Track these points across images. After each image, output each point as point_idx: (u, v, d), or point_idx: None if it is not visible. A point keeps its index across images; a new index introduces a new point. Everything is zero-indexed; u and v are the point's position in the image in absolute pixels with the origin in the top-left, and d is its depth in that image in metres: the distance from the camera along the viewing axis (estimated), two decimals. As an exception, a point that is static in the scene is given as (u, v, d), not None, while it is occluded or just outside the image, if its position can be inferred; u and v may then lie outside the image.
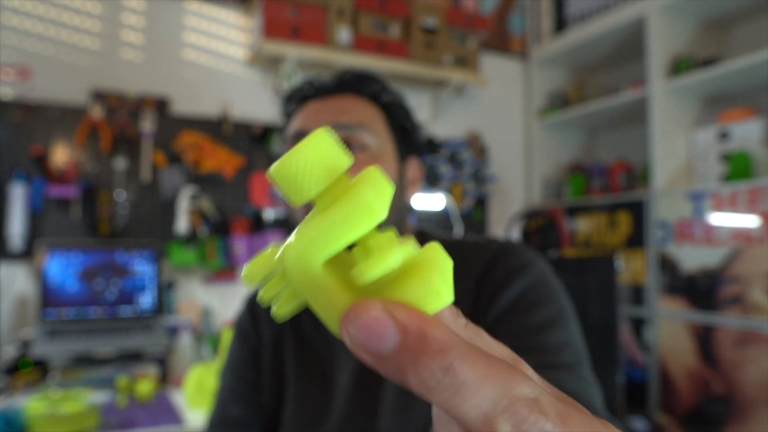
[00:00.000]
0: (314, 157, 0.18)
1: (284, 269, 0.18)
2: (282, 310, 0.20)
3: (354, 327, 0.16)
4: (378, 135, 0.71)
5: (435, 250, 0.18)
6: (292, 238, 0.18)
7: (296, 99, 0.75)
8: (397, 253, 0.17)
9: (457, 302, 0.69)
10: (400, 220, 0.74)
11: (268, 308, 0.81)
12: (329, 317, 0.18)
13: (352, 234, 0.17)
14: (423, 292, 0.17)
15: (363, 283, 0.17)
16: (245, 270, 0.21)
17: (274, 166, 0.19)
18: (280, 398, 0.76)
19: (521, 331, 0.61)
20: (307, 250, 0.17)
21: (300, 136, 0.70)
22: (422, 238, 0.77)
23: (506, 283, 0.65)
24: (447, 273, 0.17)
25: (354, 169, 0.70)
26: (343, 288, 0.18)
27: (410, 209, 0.77)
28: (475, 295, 0.67)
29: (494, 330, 0.62)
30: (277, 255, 0.20)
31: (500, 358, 0.17)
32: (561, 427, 0.16)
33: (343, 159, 0.18)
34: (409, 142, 0.76)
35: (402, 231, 0.73)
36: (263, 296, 0.21)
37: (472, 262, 0.70)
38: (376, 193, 0.17)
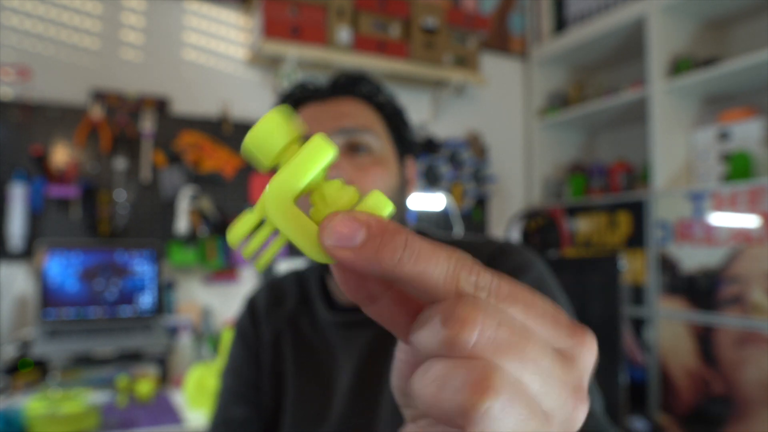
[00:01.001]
0: (270, 127, 0.22)
1: (265, 213, 0.22)
2: (266, 258, 0.24)
3: (329, 234, 0.20)
4: (379, 137, 0.71)
5: (376, 193, 0.23)
6: (266, 188, 0.22)
7: (290, 103, 0.74)
8: (345, 196, 0.22)
9: None
10: (401, 219, 0.74)
11: (268, 309, 0.81)
12: (307, 243, 0.22)
13: (311, 169, 0.22)
14: (374, 203, 0.22)
15: (319, 212, 0.23)
16: (229, 233, 0.24)
17: (244, 141, 0.23)
18: (280, 399, 0.76)
19: None
20: (279, 191, 0.22)
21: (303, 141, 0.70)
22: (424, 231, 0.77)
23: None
24: (381, 198, 0.22)
25: (361, 173, 0.70)
26: (312, 219, 0.23)
27: (408, 208, 0.77)
28: None
29: None
30: (255, 209, 0.24)
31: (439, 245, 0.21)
32: (498, 279, 0.20)
33: (296, 126, 0.23)
34: (405, 142, 0.76)
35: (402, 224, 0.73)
36: (246, 252, 0.24)
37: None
38: (323, 137, 0.22)
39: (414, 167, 0.79)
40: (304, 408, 0.73)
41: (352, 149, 0.69)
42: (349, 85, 0.73)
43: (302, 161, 0.22)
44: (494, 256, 0.69)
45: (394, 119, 0.75)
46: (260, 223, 0.24)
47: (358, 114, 0.71)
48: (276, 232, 0.24)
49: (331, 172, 0.65)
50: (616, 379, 0.93)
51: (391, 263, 0.20)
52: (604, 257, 1.02)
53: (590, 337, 0.21)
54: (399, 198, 0.72)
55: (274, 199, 0.22)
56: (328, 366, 0.73)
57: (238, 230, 0.24)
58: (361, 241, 0.20)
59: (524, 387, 0.19)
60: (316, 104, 0.72)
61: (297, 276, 0.84)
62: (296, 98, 0.74)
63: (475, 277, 0.20)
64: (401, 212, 0.73)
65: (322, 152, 0.22)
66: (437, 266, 0.20)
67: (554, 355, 0.20)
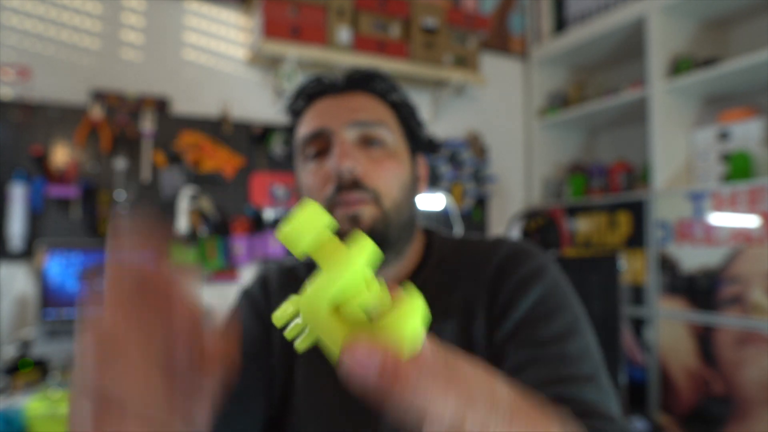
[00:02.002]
0: (303, 221, 0.24)
1: (302, 315, 0.25)
2: (302, 345, 0.27)
3: (349, 362, 0.22)
4: (393, 131, 0.71)
5: (413, 299, 0.24)
6: (305, 293, 0.25)
7: (305, 96, 0.74)
8: (369, 296, 0.24)
9: (471, 303, 0.66)
10: (412, 217, 0.73)
11: (281, 288, 0.77)
12: (332, 350, 0.24)
13: (338, 284, 0.23)
14: (401, 335, 0.23)
15: (353, 314, 0.24)
16: (276, 314, 0.27)
17: (279, 229, 0.25)
18: (288, 385, 0.73)
19: (541, 341, 0.61)
20: (313, 301, 0.24)
21: (320, 135, 0.69)
22: (429, 238, 0.77)
23: (522, 290, 0.65)
24: (419, 319, 0.23)
25: (375, 165, 0.70)
26: (343, 326, 0.24)
27: (417, 206, 0.77)
28: (490, 299, 0.67)
29: (514, 338, 0.63)
30: (294, 301, 0.26)
31: (458, 373, 0.22)
32: (507, 412, 0.22)
33: (327, 220, 0.25)
34: (417, 140, 0.76)
35: (411, 229, 0.73)
36: (288, 335, 0.27)
37: (483, 263, 0.69)
38: (352, 252, 0.23)
39: (425, 166, 0.79)
40: (313, 396, 0.71)
41: (366, 142, 0.69)
42: (364, 81, 0.73)
43: (336, 267, 0.24)
44: (508, 260, 0.69)
45: (407, 117, 0.75)
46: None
47: (372, 108, 0.71)
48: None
49: (345, 161, 0.65)
50: (616, 379, 0.93)
51: (396, 409, 0.23)
52: (604, 257, 1.03)
53: None
54: (410, 194, 0.72)
55: (306, 304, 0.25)
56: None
57: (280, 315, 0.27)
58: (373, 380, 0.22)
59: None
60: (331, 98, 0.72)
61: (306, 265, 0.81)
62: (311, 92, 0.74)
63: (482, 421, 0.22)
64: (411, 209, 0.73)
65: (355, 263, 0.23)
66: (446, 409, 0.22)
67: None
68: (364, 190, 0.67)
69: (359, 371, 0.22)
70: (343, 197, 0.66)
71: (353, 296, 0.24)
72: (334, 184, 0.67)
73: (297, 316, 0.26)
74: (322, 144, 0.70)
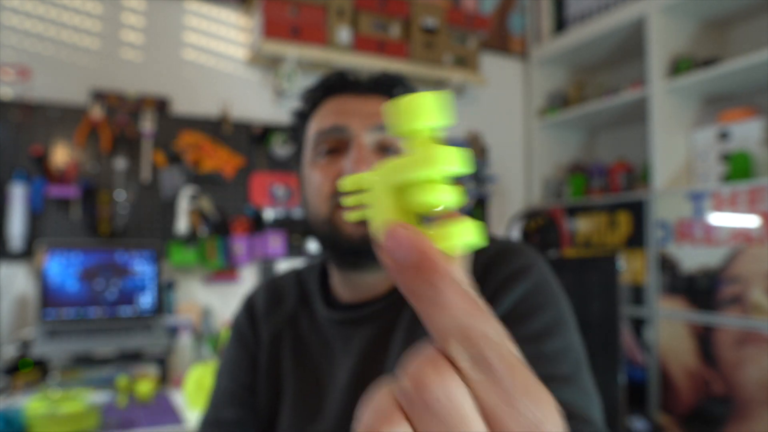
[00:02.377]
0: (433, 105, 0.23)
1: (369, 185, 0.25)
2: (351, 216, 0.27)
3: (388, 238, 0.22)
4: None
5: (471, 221, 0.23)
6: (385, 164, 0.24)
7: (325, 88, 0.73)
8: (438, 198, 0.23)
9: None
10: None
11: (267, 309, 0.81)
12: (379, 225, 0.24)
13: (413, 173, 0.23)
14: (446, 235, 0.22)
15: (410, 211, 0.24)
16: (346, 180, 0.27)
17: (400, 101, 0.23)
18: (277, 399, 0.76)
19: (520, 339, 0.59)
20: (383, 176, 0.24)
21: (338, 132, 0.69)
22: None
23: (505, 288, 0.64)
24: (469, 231, 0.23)
25: None
26: (398, 212, 0.24)
27: None
28: None
29: None
30: (372, 173, 0.26)
31: (479, 305, 0.21)
32: (500, 363, 0.20)
33: (443, 119, 0.23)
34: None
35: None
36: (347, 203, 0.27)
37: (471, 263, 0.68)
38: (445, 151, 0.22)
39: None
40: (301, 406, 0.72)
41: (382, 149, 0.69)
42: (388, 87, 0.72)
43: (419, 161, 0.23)
44: (494, 258, 0.68)
45: None
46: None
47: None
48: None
49: (362, 167, 0.64)
50: (616, 379, 0.93)
51: (410, 292, 0.21)
52: (603, 257, 1.02)
53: None
54: None
55: (379, 177, 0.24)
56: (326, 364, 0.73)
57: (351, 182, 0.27)
58: (401, 261, 0.21)
59: None
60: (354, 97, 0.71)
61: (296, 275, 0.83)
62: (333, 85, 0.73)
63: (472, 350, 0.20)
64: None
65: (441, 165, 0.22)
66: (443, 320, 0.21)
67: None
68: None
69: (394, 247, 0.21)
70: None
71: (421, 193, 0.23)
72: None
73: (366, 190, 0.26)
74: (337, 142, 0.69)
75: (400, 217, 0.24)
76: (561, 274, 1.03)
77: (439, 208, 0.23)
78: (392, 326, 0.69)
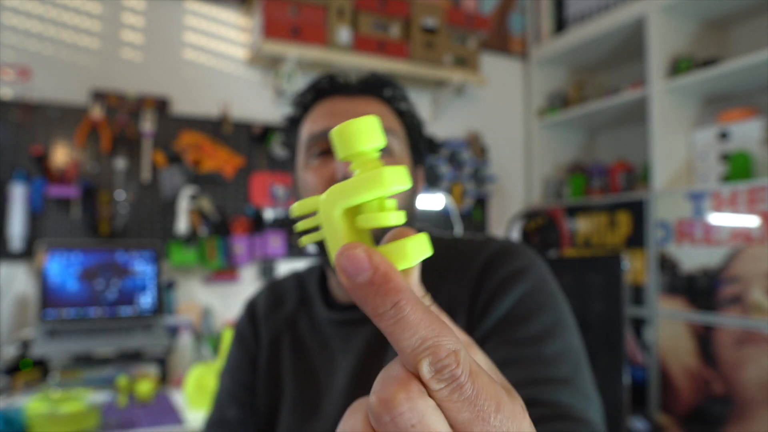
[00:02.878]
0: (371, 127, 0.24)
1: (319, 210, 0.25)
2: (305, 240, 0.27)
3: (343, 258, 0.22)
4: (400, 141, 0.72)
5: (420, 234, 0.24)
6: (329, 189, 0.25)
7: (316, 92, 0.74)
8: (390, 218, 0.24)
9: (454, 302, 0.65)
10: (410, 222, 0.74)
11: (268, 312, 0.82)
12: (333, 250, 0.25)
13: (365, 195, 0.23)
14: (399, 251, 0.23)
15: (362, 230, 0.24)
16: (294, 205, 0.27)
17: (338, 127, 0.24)
18: (277, 399, 0.77)
19: (518, 341, 0.60)
20: (332, 200, 0.24)
21: (328, 133, 0.69)
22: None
23: (503, 290, 0.64)
24: (420, 245, 0.23)
25: None
26: (350, 233, 0.25)
27: (417, 212, 0.77)
28: (472, 298, 0.66)
29: (491, 338, 0.62)
30: (317, 198, 0.26)
31: (440, 319, 0.21)
32: (468, 381, 0.20)
33: (381, 140, 0.24)
34: (419, 150, 0.77)
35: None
36: (299, 226, 0.27)
37: (468, 263, 0.69)
38: (390, 172, 0.23)
39: (423, 173, 0.80)
40: (300, 406, 0.73)
41: None
42: (378, 87, 0.73)
43: (366, 183, 0.23)
44: (491, 259, 0.68)
45: (414, 127, 0.76)
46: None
47: (383, 115, 0.72)
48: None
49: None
50: (619, 379, 0.92)
51: (374, 313, 0.21)
52: (608, 256, 1.02)
53: None
54: (410, 202, 0.73)
55: (326, 201, 0.25)
56: (325, 365, 0.73)
57: (301, 208, 0.27)
58: (360, 281, 0.21)
59: None
60: (343, 98, 0.73)
61: (297, 277, 0.85)
62: (324, 88, 0.74)
63: (440, 367, 0.20)
64: (411, 215, 0.74)
65: (387, 185, 0.23)
66: (408, 340, 0.21)
67: None
68: None
69: (351, 268, 0.21)
70: None
71: (370, 214, 0.24)
72: None
73: (315, 213, 0.26)
74: (329, 144, 0.70)
75: (353, 237, 0.25)
76: (564, 273, 1.03)
77: (389, 225, 0.24)
78: None
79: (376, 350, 0.69)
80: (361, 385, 0.68)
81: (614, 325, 0.97)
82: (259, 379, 0.79)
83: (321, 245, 0.71)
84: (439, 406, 0.20)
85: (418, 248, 0.23)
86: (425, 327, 0.21)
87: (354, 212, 0.25)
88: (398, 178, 0.23)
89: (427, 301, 0.23)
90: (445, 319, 0.22)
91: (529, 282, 0.65)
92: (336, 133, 0.24)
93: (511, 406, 0.21)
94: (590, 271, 1.03)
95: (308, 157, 0.71)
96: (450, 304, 0.67)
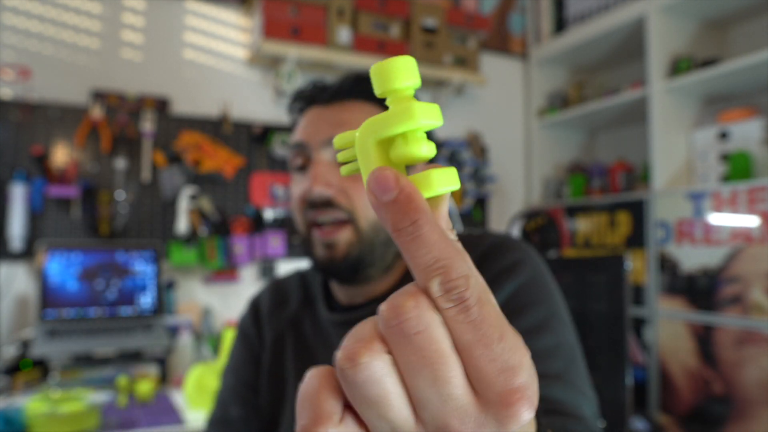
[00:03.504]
0: (403, 70, 0.25)
1: (356, 140, 0.26)
2: (344, 170, 0.29)
3: (372, 178, 0.23)
4: None
5: (448, 168, 0.25)
6: (366, 122, 0.26)
7: (301, 101, 0.74)
8: (421, 149, 0.25)
9: None
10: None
11: (271, 311, 0.82)
12: (365, 175, 0.26)
13: (395, 128, 0.25)
14: (424, 179, 0.24)
15: (394, 162, 0.26)
16: (336, 137, 0.28)
17: (377, 65, 0.25)
18: (280, 399, 0.77)
19: None
20: (367, 131, 0.26)
21: (300, 147, 0.71)
22: None
23: (497, 283, 0.64)
24: (446, 176, 0.25)
25: (351, 183, 0.68)
26: (382, 162, 0.26)
27: None
28: None
29: None
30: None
31: (457, 247, 0.22)
32: (476, 305, 0.21)
33: (417, 79, 0.25)
34: None
35: (390, 240, 0.73)
36: (340, 157, 0.29)
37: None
38: (422, 106, 0.24)
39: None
40: None
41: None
42: (355, 88, 0.72)
43: (399, 116, 0.25)
44: (486, 253, 0.68)
45: None
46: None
47: (358, 121, 0.71)
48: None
49: (316, 187, 0.67)
50: (622, 379, 0.93)
51: (394, 228, 0.22)
52: (611, 257, 1.02)
53: (518, 410, 0.21)
54: None
55: (362, 132, 0.26)
56: (328, 365, 0.73)
57: (343, 139, 0.28)
58: (386, 199, 0.23)
59: (397, 389, 0.21)
60: (321, 107, 0.72)
61: (300, 277, 0.85)
62: (307, 98, 0.74)
63: (450, 287, 0.21)
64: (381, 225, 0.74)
65: (419, 118, 0.24)
66: (424, 257, 0.22)
67: (461, 404, 0.21)
68: (338, 209, 0.68)
69: (378, 188, 0.23)
70: (317, 216, 0.68)
71: (401, 145, 0.25)
72: (306, 204, 0.69)
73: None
74: (303, 158, 0.71)
75: (384, 163, 0.26)
76: (567, 273, 1.03)
77: (419, 156, 0.25)
78: None
79: None
80: None
81: (617, 326, 0.97)
82: (262, 377, 0.79)
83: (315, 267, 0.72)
84: (445, 323, 0.21)
85: (443, 178, 0.24)
86: (440, 248, 0.22)
87: (387, 145, 0.26)
88: (429, 113, 0.25)
89: (452, 235, 0.24)
90: (462, 250, 0.23)
91: (524, 275, 0.65)
92: (374, 71, 0.26)
93: (513, 338, 0.22)
94: (593, 271, 1.04)
95: (291, 169, 0.73)
96: None
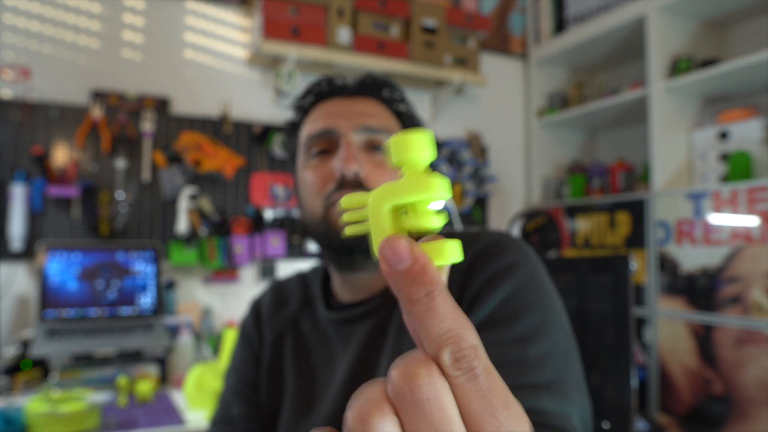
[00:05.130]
0: (422, 144, 0.26)
1: (368, 204, 0.27)
2: (349, 230, 0.29)
3: (386, 246, 0.24)
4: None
5: (454, 242, 0.26)
6: (380, 187, 0.27)
7: (314, 95, 0.76)
8: (433, 220, 0.26)
9: None
10: None
11: (272, 311, 0.83)
12: (376, 242, 0.27)
13: (413, 197, 0.26)
14: (437, 249, 0.25)
15: (403, 228, 0.27)
16: (344, 199, 0.29)
17: (396, 137, 0.27)
18: (279, 397, 0.78)
19: (502, 343, 0.58)
20: (382, 196, 0.27)
21: (327, 134, 0.71)
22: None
23: (490, 287, 0.62)
24: (455, 248, 0.25)
25: (378, 169, 0.71)
26: (394, 227, 0.27)
27: None
28: (459, 291, 0.65)
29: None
30: (365, 197, 0.29)
31: (465, 317, 0.23)
32: (483, 374, 0.22)
33: (433, 155, 0.27)
34: None
35: None
36: (346, 217, 0.29)
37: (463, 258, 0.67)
38: (438, 180, 0.26)
39: None
40: (300, 402, 0.74)
41: (372, 147, 0.71)
42: (375, 88, 0.75)
43: (416, 187, 0.26)
44: (482, 252, 0.66)
45: (412, 128, 0.76)
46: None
47: (380, 115, 0.73)
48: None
49: (351, 165, 0.67)
50: (627, 382, 0.92)
51: (408, 298, 0.23)
52: (615, 257, 1.01)
53: None
54: None
55: (376, 197, 0.27)
56: (326, 363, 0.74)
57: (351, 201, 0.29)
58: (399, 270, 0.23)
59: None
60: (341, 100, 0.74)
61: (301, 278, 0.86)
62: (322, 91, 0.75)
63: (460, 356, 0.22)
64: None
65: (435, 192, 0.26)
66: (436, 327, 0.22)
67: None
68: (365, 191, 0.67)
69: (393, 256, 0.23)
70: (345, 195, 0.68)
71: (415, 213, 0.26)
72: (335, 184, 0.69)
73: (362, 207, 0.29)
74: (328, 143, 0.71)
75: (396, 232, 0.27)
76: (570, 274, 1.03)
77: (431, 227, 0.26)
78: (387, 322, 0.70)
79: (374, 345, 0.69)
80: (358, 379, 0.68)
81: (621, 327, 0.96)
82: (263, 376, 0.80)
83: (327, 247, 0.72)
84: (452, 392, 0.22)
85: (453, 251, 0.25)
86: (452, 318, 0.23)
87: (397, 211, 0.27)
88: (444, 187, 0.26)
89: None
90: (467, 319, 0.24)
91: (518, 279, 0.63)
92: (394, 141, 0.27)
93: (517, 407, 0.23)
94: (596, 272, 1.03)
95: (308, 157, 0.73)
96: None
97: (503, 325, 0.59)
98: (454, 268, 0.65)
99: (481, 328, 0.59)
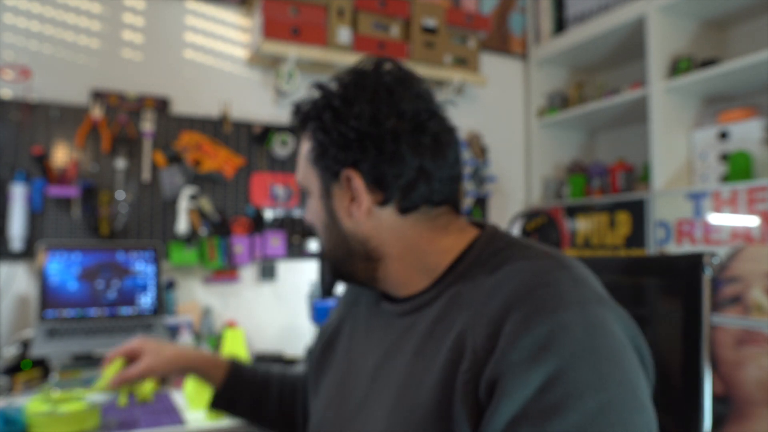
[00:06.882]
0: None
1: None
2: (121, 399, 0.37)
3: (108, 382, 0.26)
4: (307, 175, 0.73)
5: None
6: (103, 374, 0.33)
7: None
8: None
9: (465, 337, 0.57)
10: (349, 252, 0.70)
11: (357, 293, 0.88)
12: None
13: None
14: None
15: None
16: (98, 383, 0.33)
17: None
18: (321, 373, 0.84)
19: None
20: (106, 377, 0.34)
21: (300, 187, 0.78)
22: (491, 238, 0.68)
23: (529, 361, 0.48)
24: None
25: (308, 216, 0.77)
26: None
27: (361, 233, 0.68)
28: (487, 339, 0.53)
29: (522, 425, 0.46)
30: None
31: None
32: None
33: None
34: (332, 163, 0.67)
35: (365, 258, 0.69)
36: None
37: (490, 298, 0.56)
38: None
39: (354, 181, 0.66)
40: (333, 391, 0.78)
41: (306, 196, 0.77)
42: (297, 123, 0.74)
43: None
44: (515, 302, 0.52)
45: (320, 145, 0.68)
46: None
47: (300, 165, 0.75)
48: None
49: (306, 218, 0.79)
50: (698, 418, 0.75)
51: None
52: (685, 257, 0.86)
53: None
54: (332, 231, 0.71)
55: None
56: (366, 352, 0.75)
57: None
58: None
59: None
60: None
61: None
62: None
63: None
64: (342, 245, 0.70)
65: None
66: None
67: None
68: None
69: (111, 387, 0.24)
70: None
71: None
72: None
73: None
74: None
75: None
76: (629, 277, 0.85)
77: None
78: (420, 321, 0.68)
79: (398, 344, 0.68)
80: (385, 364, 0.68)
81: (693, 337, 0.78)
82: (322, 339, 0.88)
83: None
84: None
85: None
86: None
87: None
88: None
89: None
90: None
91: (564, 352, 0.47)
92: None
93: None
94: (660, 275, 0.86)
95: None
96: (460, 337, 0.56)
97: (553, 416, 0.45)
98: (485, 311, 0.54)
99: (527, 415, 0.46)
